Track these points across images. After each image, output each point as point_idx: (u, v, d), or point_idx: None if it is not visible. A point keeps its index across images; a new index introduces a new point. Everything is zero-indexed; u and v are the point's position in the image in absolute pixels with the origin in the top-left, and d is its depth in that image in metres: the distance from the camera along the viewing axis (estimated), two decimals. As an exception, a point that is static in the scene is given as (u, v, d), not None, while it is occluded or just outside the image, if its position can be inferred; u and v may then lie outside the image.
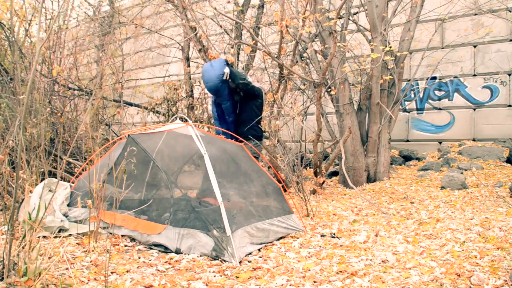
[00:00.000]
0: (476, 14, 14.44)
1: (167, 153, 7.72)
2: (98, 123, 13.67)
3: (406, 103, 15.61)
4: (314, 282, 5.09)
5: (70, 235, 6.59)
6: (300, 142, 14.21)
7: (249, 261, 5.78)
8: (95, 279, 4.77)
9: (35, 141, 8.77)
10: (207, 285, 4.92)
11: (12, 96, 9.80)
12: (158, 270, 5.31)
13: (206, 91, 13.85)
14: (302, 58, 14.02)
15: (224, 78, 8.81)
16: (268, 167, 13.39)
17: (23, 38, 12.52)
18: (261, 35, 14.18)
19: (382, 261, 5.73)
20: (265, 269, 5.47)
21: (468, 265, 5.49)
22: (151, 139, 7.62)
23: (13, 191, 4.74)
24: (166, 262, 5.67)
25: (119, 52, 15.97)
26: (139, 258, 5.76)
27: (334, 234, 7.20)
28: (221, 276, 5.23)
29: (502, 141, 13.94)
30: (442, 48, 15.10)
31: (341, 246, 6.60)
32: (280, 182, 11.85)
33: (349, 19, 13.53)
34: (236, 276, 5.24)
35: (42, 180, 7.43)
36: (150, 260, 5.69)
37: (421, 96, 15.70)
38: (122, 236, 6.74)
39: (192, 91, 14.26)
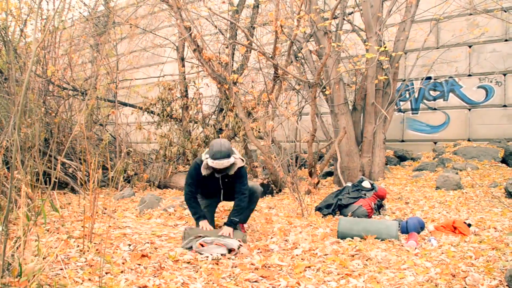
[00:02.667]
0: (471, 14, 14.46)
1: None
2: (92, 123, 13.66)
3: (401, 103, 15.62)
4: (309, 282, 5.09)
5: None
6: (294, 142, 14.20)
7: (251, 264, 5.77)
8: (89, 279, 4.76)
9: (30, 141, 8.76)
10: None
11: (7, 96, 9.78)
12: (154, 270, 5.30)
13: (200, 91, 13.87)
14: (297, 58, 14.01)
15: None
16: (263, 168, 13.40)
17: (18, 38, 12.50)
18: (256, 35, 14.17)
19: (377, 262, 5.73)
20: (261, 270, 5.47)
21: (463, 266, 5.49)
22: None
23: (8, 191, 4.73)
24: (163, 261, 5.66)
25: (113, 52, 15.95)
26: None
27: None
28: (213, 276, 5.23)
29: (497, 141, 13.97)
30: (437, 48, 15.12)
31: (336, 246, 6.61)
32: (274, 183, 11.91)
33: (344, 19, 13.54)
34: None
35: (36, 180, 7.40)
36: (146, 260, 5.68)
37: (416, 96, 15.72)
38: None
39: (186, 91, 14.25)
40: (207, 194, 7.38)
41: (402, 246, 6.57)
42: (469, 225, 7.29)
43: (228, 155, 6.56)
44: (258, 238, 7.09)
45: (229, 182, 7.02)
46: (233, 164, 6.72)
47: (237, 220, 6.90)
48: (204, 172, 6.81)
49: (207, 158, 6.69)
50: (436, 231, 7.31)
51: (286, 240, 6.86)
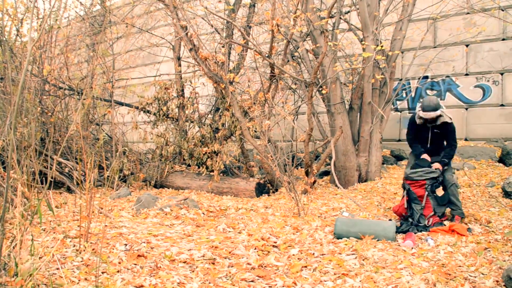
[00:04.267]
0: (468, 13, 14.45)
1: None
2: (88, 122, 13.63)
3: (398, 102, 15.60)
4: (306, 282, 5.08)
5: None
6: (291, 141, 14.20)
7: (248, 263, 5.77)
8: (85, 279, 4.75)
9: (26, 141, 8.75)
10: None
11: (2, 96, 9.76)
12: (150, 270, 5.28)
13: (196, 90, 13.85)
14: (293, 58, 14.02)
15: None
16: (260, 167, 13.39)
17: (14, 37, 12.48)
18: (252, 34, 14.15)
19: (374, 261, 5.72)
20: (257, 269, 5.46)
21: (460, 265, 5.49)
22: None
23: (4, 191, 4.72)
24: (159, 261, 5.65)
25: (110, 52, 15.92)
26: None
27: None
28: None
29: (494, 140, 13.97)
30: (434, 47, 15.10)
31: (332, 245, 6.60)
32: (270, 183, 11.90)
33: (340, 18, 13.51)
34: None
35: (33, 179, 7.39)
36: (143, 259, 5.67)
37: (413, 95, 15.69)
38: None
39: (183, 90, 14.21)
40: (419, 141, 8.77)
41: (399, 245, 6.56)
42: (469, 229, 7.28)
43: (435, 109, 8.08)
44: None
45: (438, 133, 8.46)
46: (439, 116, 8.18)
47: (446, 161, 8.27)
48: (418, 121, 8.45)
49: (419, 110, 8.26)
50: (432, 232, 7.32)
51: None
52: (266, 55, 10.95)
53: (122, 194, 10.90)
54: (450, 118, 8.32)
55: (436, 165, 8.17)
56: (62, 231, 6.59)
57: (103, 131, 15.06)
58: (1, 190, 7.38)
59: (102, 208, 8.57)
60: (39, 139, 11.22)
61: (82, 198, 7.57)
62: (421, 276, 5.15)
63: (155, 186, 13.14)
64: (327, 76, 11.98)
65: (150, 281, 4.81)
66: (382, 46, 11.12)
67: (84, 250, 5.59)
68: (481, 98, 14.53)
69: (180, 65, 14.75)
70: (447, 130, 8.36)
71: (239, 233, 7.42)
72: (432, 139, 8.55)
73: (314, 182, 11.60)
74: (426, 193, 7.94)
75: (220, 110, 13.04)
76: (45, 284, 4.42)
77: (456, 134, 8.43)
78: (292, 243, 6.69)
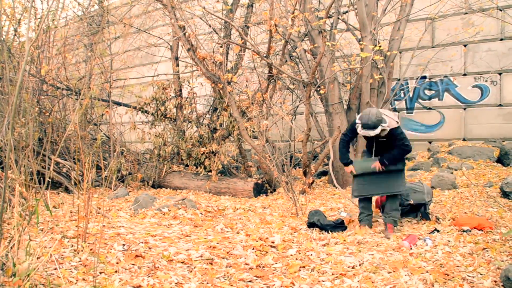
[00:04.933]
0: (466, 13, 14.42)
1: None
2: (86, 122, 13.61)
3: (396, 102, 15.59)
4: (304, 282, 5.07)
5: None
6: (289, 142, 14.19)
7: (246, 264, 5.76)
8: (83, 279, 4.74)
9: (24, 141, 8.73)
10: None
11: (0, 96, 9.75)
12: (148, 270, 5.27)
13: (194, 90, 13.83)
14: (291, 58, 14.00)
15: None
16: (258, 167, 13.38)
17: (12, 37, 12.46)
18: (250, 34, 14.13)
19: (372, 261, 5.72)
20: (255, 269, 5.45)
21: (458, 266, 5.48)
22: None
23: (1, 191, 4.71)
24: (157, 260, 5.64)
25: (107, 52, 15.90)
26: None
27: None
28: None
29: (493, 140, 13.95)
30: (432, 47, 15.09)
31: (331, 245, 6.60)
32: (268, 183, 11.89)
33: (338, 18, 13.52)
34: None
35: (30, 179, 7.38)
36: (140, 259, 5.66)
37: (411, 95, 15.67)
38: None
39: (180, 90, 14.20)
40: (365, 146, 8.31)
41: (397, 245, 6.56)
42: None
43: (374, 127, 7.30)
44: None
45: (383, 141, 7.74)
46: (382, 131, 7.41)
47: (386, 162, 7.63)
48: (359, 132, 7.62)
49: (358, 123, 7.54)
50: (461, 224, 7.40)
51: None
52: (264, 55, 10.94)
53: (120, 194, 10.90)
54: (397, 122, 7.59)
55: (375, 164, 7.73)
56: (60, 231, 6.58)
57: (101, 131, 15.05)
58: (-1, 190, 7.38)
59: (100, 208, 8.56)
60: (37, 139, 11.20)
61: (80, 198, 7.57)
62: (419, 276, 5.14)
63: (153, 186, 13.13)
64: (325, 76, 11.98)
65: (148, 281, 4.80)
66: (380, 46, 11.12)
67: (82, 250, 5.58)
68: (479, 98, 14.52)
69: (178, 65, 14.75)
70: (392, 136, 7.59)
71: (237, 233, 7.42)
72: (377, 148, 7.90)
73: (312, 182, 11.60)
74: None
75: (218, 110, 13.02)
76: (43, 284, 4.42)
77: (404, 136, 7.70)
78: (290, 243, 6.69)
